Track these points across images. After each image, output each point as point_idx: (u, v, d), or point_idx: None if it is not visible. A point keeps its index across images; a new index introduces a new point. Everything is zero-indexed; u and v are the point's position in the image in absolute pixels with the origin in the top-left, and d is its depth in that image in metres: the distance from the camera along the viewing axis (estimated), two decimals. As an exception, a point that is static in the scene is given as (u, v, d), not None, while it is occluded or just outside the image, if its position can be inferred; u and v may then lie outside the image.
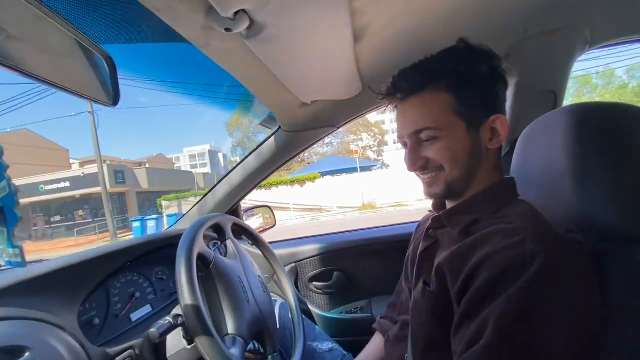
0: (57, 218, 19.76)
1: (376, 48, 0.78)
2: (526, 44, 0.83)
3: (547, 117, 0.60)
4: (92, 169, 16.46)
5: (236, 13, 0.45)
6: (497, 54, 0.56)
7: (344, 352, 0.94)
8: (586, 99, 20.31)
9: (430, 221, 0.62)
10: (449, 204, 0.61)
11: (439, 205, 0.66)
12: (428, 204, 0.81)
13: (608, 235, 0.46)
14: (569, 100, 0.87)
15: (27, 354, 0.49)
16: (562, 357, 0.39)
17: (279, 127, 1.05)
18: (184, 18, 0.47)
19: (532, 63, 0.86)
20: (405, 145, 0.60)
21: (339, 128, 1.08)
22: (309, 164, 22.45)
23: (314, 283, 1.24)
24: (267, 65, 0.62)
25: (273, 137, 1.09)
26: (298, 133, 1.06)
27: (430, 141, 0.55)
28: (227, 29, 0.47)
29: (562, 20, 0.80)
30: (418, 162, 0.57)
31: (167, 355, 0.71)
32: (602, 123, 0.49)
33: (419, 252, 0.62)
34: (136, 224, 11.58)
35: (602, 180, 0.46)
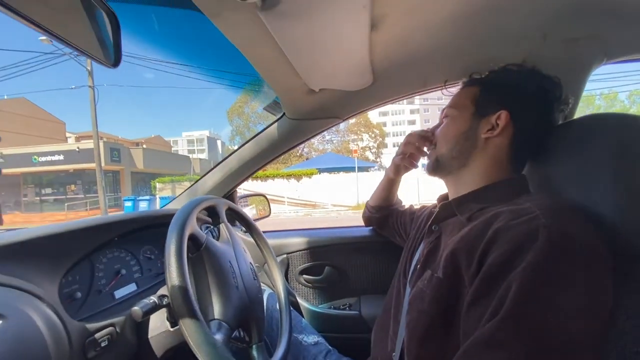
0: (48, 190, 19.57)
1: (391, 40, 0.76)
2: (544, 51, 0.81)
3: (558, 127, 0.60)
4: (88, 144, 16.26)
5: (253, -20, 0.43)
6: (547, 75, 0.63)
7: (329, 347, 0.92)
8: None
9: (433, 215, 0.66)
10: (452, 193, 0.67)
11: (443, 200, 0.71)
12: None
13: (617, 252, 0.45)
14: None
15: (0, 322, 0.46)
16: (575, 330, 0.39)
17: (283, 114, 1.03)
18: (197, -19, 0.44)
19: (548, 71, 0.84)
20: None
21: (344, 120, 1.06)
22: (307, 159, 22.44)
23: (304, 276, 1.23)
24: (279, 43, 0.59)
25: (276, 124, 1.06)
26: (302, 121, 1.03)
27: (445, 118, 0.68)
28: (241, -3, 0.44)
29: (582, 29, 0.78)
30: (428, 133, 0.75)
31: (149, 336, 0.69)
32: (613, 133, 0.48)
33: (425, 251, 0.62)
34: (128, 204, 11.53)
35: (612, 191, 0.45)
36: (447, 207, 0.63)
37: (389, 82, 0.93)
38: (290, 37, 0.58)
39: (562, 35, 0.79)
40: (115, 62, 0.44)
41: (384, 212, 1.07)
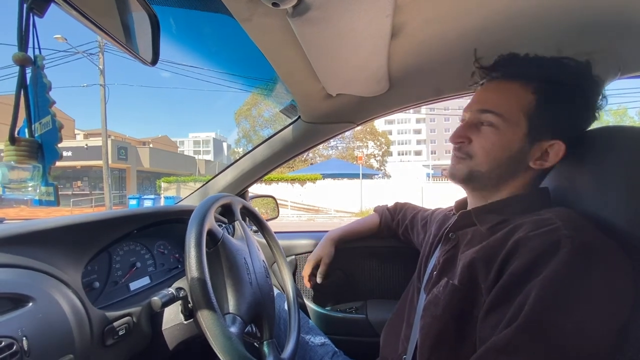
0: (55, 186, 19.77)
1: (409, 48, 0.78)
2: (558, 64, 0.83)
3: None
4: (96, 141, 16.47)
5: (287, -12, 0.45)
6: (600, 90, 0.56)
7: (335, 349, 0.93)
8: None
9: (448, 221, 0.65)
10: (472, 203, 0.63)
11: (461, 206, 0.69)
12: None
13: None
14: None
15: (30, 304, 0.48)
16: (592, 341, 0.39)
17: (299, 117, 1.05)
18: (233, -13, 0.47)
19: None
20: (462, 120, 0.62)
21: (358, 125, 1.08)
22: (312, 164, 22.47)
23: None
24: (304, 48, 0.62)
25: (291, 127, 1.08)
26: (317, 125, 1.05)
27: (486, 125, 0.56)
28: (275, 4, 0.46)
29: (596, 44, 0.80)
30: (459, 139, 0.59)
31: (163, 328, 0.70)
32: (628, 145, 0.49)
33: (442, 259, 0.62)
34: (133, 202, 11.61)
35: (627, 203, 0.46)
36: (466, 216, 0.61)
37: (404, 89, 0.95)
38: (315, 42, 0.60)
39: (576, 49, 0.80)
40: (154, 60, 0.46)
41: (387, 231, 1.13)
